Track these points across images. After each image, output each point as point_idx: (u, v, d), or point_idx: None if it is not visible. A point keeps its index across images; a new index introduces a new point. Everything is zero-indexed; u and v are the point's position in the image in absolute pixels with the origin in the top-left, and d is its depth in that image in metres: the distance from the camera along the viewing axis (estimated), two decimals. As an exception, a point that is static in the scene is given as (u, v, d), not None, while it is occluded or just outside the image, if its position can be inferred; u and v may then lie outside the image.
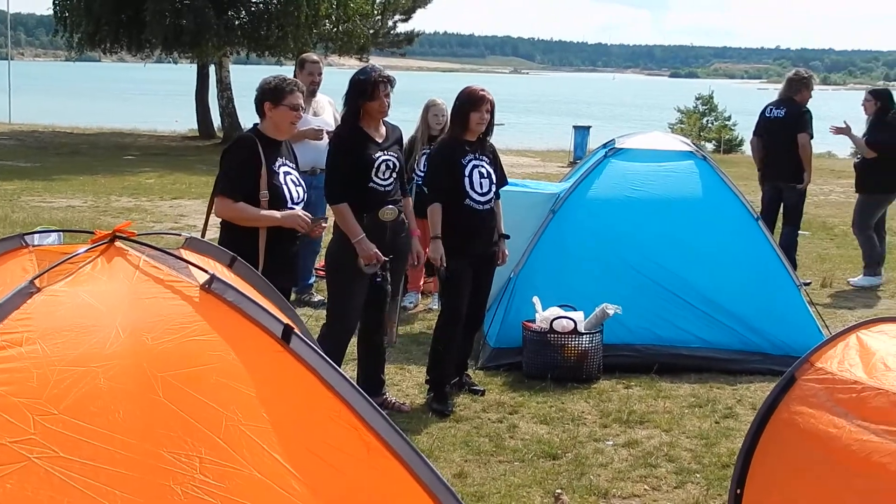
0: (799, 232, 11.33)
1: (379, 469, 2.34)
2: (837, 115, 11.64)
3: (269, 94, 5.76)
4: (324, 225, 6.00)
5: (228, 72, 28.89)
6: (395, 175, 6.30)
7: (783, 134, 10.82)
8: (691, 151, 8.32)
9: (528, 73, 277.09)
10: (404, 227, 6.47)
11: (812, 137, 10.84)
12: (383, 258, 6.18)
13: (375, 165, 6.16)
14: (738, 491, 4.27)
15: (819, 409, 4.02)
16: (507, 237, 7.06)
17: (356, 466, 2.30)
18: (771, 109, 11.08)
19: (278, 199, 5.65)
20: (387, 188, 6.26)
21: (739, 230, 7.97)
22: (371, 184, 6.19)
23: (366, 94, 6.17)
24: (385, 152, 6.23)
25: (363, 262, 6.15)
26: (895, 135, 10.87)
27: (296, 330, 2.68)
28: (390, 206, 6.27)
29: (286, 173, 5.77)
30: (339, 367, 6.16)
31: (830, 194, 19.01)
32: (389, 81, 6.24)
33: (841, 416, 3.92)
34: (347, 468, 2.29)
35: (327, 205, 6.47)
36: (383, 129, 6.34)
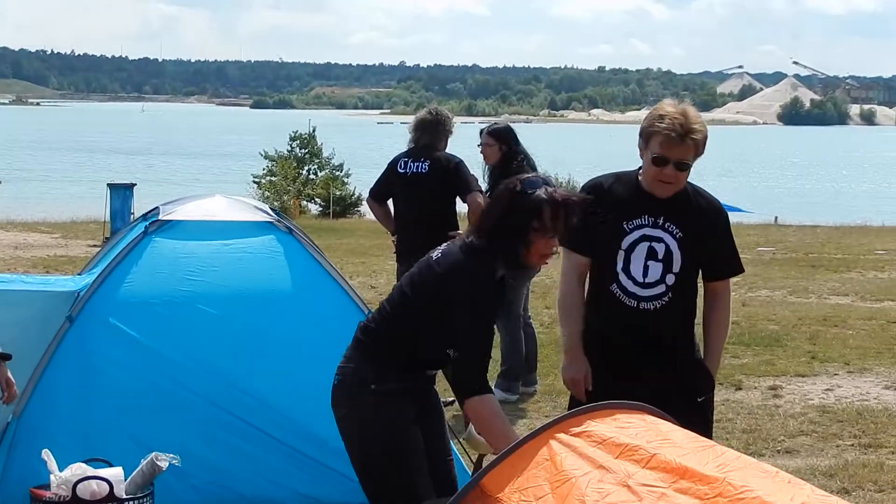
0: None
1: None
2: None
3: None
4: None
5: None
6: None
7: (428, 195, 8.31)
8: (270, 222, 6.56)
9: (38, 104, 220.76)
10: None
11: (482, 192, 8.33)
12: None
13: None
14: None
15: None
16: (9, 357, 5.21)
17: None
18: (406, 162, 8.44)
19: None
20: None
21: (344, 330, 6.06)
22: None
23: None
24: None
25: None
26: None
27: None
28: None
29: None
30: None
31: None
32: None
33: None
34: None
35: None
36: None
